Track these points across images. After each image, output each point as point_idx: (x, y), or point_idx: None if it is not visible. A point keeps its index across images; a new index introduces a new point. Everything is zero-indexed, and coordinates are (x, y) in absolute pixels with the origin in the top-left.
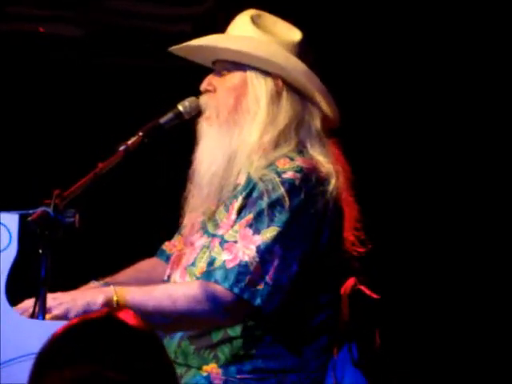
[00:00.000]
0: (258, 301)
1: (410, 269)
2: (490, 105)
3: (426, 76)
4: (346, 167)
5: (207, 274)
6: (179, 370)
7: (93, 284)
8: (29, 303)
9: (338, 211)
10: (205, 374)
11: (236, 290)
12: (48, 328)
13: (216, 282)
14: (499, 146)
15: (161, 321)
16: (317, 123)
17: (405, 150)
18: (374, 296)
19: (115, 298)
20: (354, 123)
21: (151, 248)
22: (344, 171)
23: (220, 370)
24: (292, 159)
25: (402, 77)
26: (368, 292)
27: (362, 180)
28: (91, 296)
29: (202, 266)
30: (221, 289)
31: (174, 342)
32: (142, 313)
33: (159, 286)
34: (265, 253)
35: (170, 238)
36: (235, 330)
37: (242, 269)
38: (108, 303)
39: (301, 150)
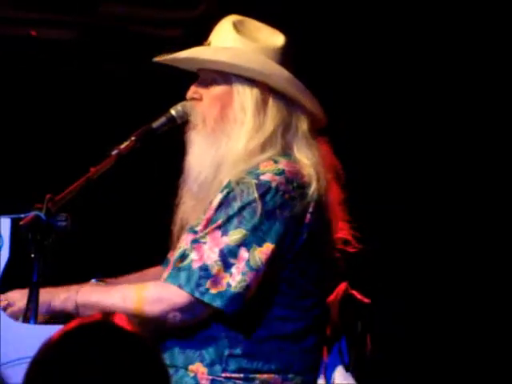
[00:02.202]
0: (218, 303)
1: (403, 270)
2: (488, 105)
3: (419, 74)
4: (335, 165)
5: (174, 274)
6: None
7: (93, 282)
8: (14, 296)
9: (319, 214)
10: (192, 374)
11: (197, 293)
12: (40, 332)
13: (180, 286)
14: (498, 146)
15: None
16: (304, 126)
17: (398, 147)
18: (366, 300)
19: (76, 295)
20: (346, 121)
21: (143, 249)
22: (333, 170)
23: (205, 369)
24: (276, 162)
25: (395, 73)
26: (359, 297)
27: (350, 181)
28: (55, 292)
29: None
30: (180, 291)
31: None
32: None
33: (117, 287)
34: (228, 256)
35: (160, 239)
36: (219, 330)
37: (203, 273)
38: (68, 300)
39: (287, 152)
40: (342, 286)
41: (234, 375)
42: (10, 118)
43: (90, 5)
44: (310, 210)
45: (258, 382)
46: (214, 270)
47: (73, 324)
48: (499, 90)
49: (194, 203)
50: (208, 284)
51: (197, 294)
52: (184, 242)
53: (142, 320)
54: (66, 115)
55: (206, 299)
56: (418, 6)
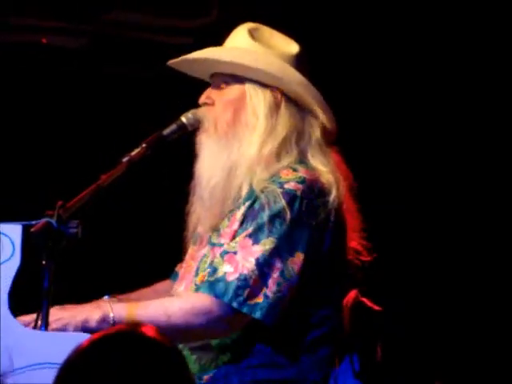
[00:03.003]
0: (258, 314)
1: (413, 278)
2: (488, 105)
3: (417, 72)
4: (348, 175)
5: (208, 285)
6: None
7: (105, 299)
8: (32, 316)
9: (340, 221)
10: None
11: (235, 304)
12: (50, 339)
13: (216, 296)
14: (498, 146)
15: None
16: (317, 133)
17: (398, 147)
18: (376, 308)
19: (111, 315)
20: (356, 131)
21: (153, 256)
22: (346, 179)
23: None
24: (295, 170)
25: (395, 73)
26: (370, 304)
27: (365, 187)
28: (88, 312)
29: (203, 274)
30: (219, 302)
31: None
32: None
33: (155, 301)
34: (263, 266)
35: (172, 246)
36: (235, 341)
37: (241, 283)
38: (104, 319)
39: (302, 160)
40: (352, 293)
41: None
42: (21, 124)
43: (101, 12)
44: (332, 217)
45: None
46: (251, 281)
47: (100, 334)
48: (499, 90)
49: (206, 209)
50: (246, 294)
51: (235, 305)
52: (209, 255)
53: (184, 333)
54: (77, 121)
55: (246, 310)
56: (417, 8)
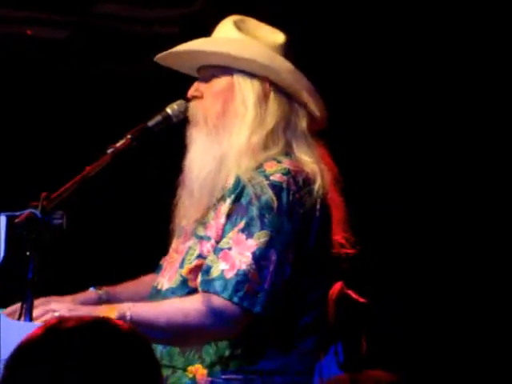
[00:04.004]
0: (258, 308)
1: (402, 270)
2: (487, 104)
3: (417, 72)
4: (332, 167)
5: (205, 284)
6: (165, 372)
7: (91, 291)
8: (16, 307)
9: (326, 210)
10: (190, 375)
11: (235, 299)
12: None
13: (215, 292)
14: (497, 146)
15: (173, 336)
16: (303, 124)
17: (397, 147)
18: (361, 300)
19: (129, 313)
20: (355, 130)
21: (139, 248)
22: (331, 172)
23: (205, 371)
24: (279, 162)
25: (394, 72)
26: (355, 296)
27: (350, 181)
28: (105, 311)
29: (188, 266)
30: (221, 300)
31: (159, 344)
32: (156, 328)
33: (166, 301)
34: (260, 259)
35: (158, 239)
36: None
37: (240, 278)
38: (122, 318)
39: (288, 151)
40: (338, 285)
41: (233, 376)
42: (4, 115)
43: (84, 4)
44: (318, 206)
45: (258, 382)
46: (250, 275)
47: (71, 321)
48: (498, 90)
49: (194, 201)
50: (246, 289)
51: (236, 300)
52: (196, 248)
53: (198, 332)
54: (61, 113)
55: (246, 304)
56: (417, 7)
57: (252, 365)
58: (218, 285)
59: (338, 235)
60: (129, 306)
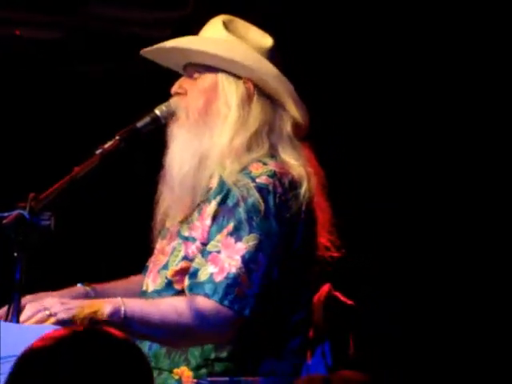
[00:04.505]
0: (247, 311)
1: (399, 269)
2: (482, 102)
3: (408, 71)
4: (318, 171)
5: (194, 287)
6: None
7: (79, 287)
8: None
9: (311, 213)
10: (176, 377)
11: (226, 302)
12: (23, 331)
13: (206, 295)
14: (492, 144)
15: (165, 334)
16: (288, 127)
17: (391, 145)
18: (349, 302)
19: (123, 308)
20: (340, 119)
21: (126, 248)
22: (317, 175)
23: (191, 373)
24: (265, 164)
25: (387, 70)
26: (343, 298)
27: (336, 183)
28: (98, 305)
29: (174, 268)
30: (212, 303)
31: (145, 346)
32: (149, 325)
33: (161, 299)
34: (250, 262)
35: (146, 239)
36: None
37: (230, 281)
38: (116, 313)
39: (273, 154)
40: (326, 287)
41: (219, 379)
42: None
43: (76, 5)
44: (303, 210)
45: None
46: (240, 278)
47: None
48: (493, 89)
49: (175, 198)
50: (236, 292)
51: (226, 303)
52: (181, 249)
53: (191, 333)
54: (50, 114)
55: (236, 307)
56: (414, 8)
57: (238, 367)
58: (207, 288)
59: (324, 238)
60: (123, 300)
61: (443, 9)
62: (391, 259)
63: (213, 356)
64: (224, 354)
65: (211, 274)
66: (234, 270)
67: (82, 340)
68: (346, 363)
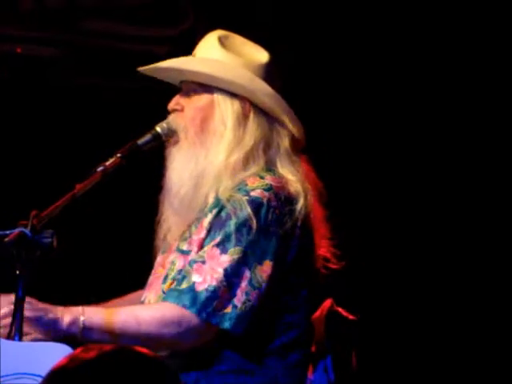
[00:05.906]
0: (227, 324)
1: (397, 271)
2: (481, 103)
3: (405, 74)
4: (317, 184)
5: (177, 295)
6: None
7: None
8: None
9: (307, 230)
10: None
11: (203, 315)
12: (25, 349)
13: (184, 306)
14: (491, 146)
15: (128, 342)
16: (285, 142)
17: (391, 148)
18: (351, 317)
19: (82, 318)
20: (340, 122)
21: (128, 265)
22: (315, 188)
23: None
24: (262, 177)
25: (384, 73)
26: (345, 313)
27: (335, 196)
28: (60, 313)
29: (170, 281)
30: (188, 313)
31: None
32: (110, 334)
33: (126, 308)
34: (232, 276)
35: (147, 256)
36: (204, 347)
37: (210, 294)
38: (75, 322)
39: (270, 168)
40: (327, 302)
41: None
42: None
43: (74, 22)
44: (298, 226)
45: None
46: (220, 291)
47: (93, 351)
48: (493, 89)
49: (176, 218)
50: (214, 305)
51: (204, 316)
52: (177, 263)
53: (155, 342)
54: (50, 131)
55: (214, 321)
56: (413, 10)
57: (237, 379)
58: (186, 298)
59: (323, 249)
60: (84, 309)
61: (442, 9)
62: (390, 261)
63: (211, 369)
64: (223, 368)
65: (194, 283)
66: (214, 283)
67: (110, 360)
68: (348, 378)
